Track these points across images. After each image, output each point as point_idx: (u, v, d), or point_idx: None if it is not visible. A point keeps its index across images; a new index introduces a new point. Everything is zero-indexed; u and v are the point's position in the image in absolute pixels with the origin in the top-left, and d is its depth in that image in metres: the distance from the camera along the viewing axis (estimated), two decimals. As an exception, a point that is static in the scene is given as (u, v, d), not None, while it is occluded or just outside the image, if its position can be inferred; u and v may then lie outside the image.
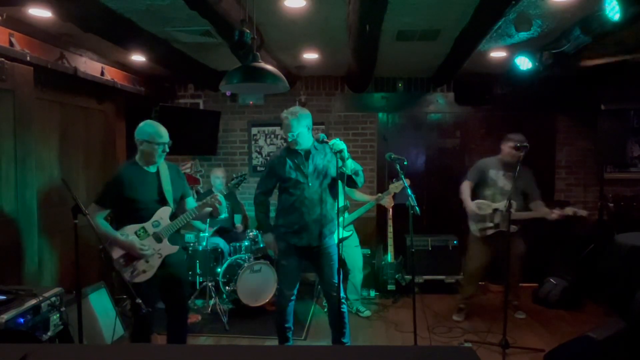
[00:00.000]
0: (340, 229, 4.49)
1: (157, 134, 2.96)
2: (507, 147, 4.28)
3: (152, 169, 3.04)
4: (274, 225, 3.51)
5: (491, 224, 4.25)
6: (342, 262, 4.70)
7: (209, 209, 3.14)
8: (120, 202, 2.93)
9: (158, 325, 3.40)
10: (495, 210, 4.24)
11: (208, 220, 4.70)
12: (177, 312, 3.25)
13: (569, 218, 4.08)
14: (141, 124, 3.02)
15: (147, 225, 2.96)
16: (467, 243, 4.55)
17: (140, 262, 2.94)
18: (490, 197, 4.31)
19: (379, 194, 4.62)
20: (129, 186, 2.91)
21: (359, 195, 4.79)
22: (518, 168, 3.84)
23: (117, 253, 2.92)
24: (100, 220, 2.92)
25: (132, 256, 2.93)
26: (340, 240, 4.52)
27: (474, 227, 4.37)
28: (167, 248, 3.02)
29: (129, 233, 2.92)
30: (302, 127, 3.28)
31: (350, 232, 4.71)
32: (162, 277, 3.07)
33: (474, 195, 4.37)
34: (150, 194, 2.98)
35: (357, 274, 4.70)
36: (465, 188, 4.39)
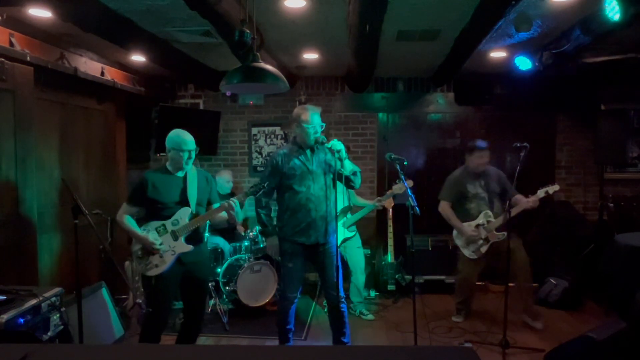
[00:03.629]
0: (344, 229, 4.54)
1: (182, 142, 3.13)
2: (475, 158, 4.26)
3: (179, 174, 3.20)
4: (278, 227, 3.48)
5: (482, 241, 4.22)
6: (344, 263, 4.72)
7: (224, 215, 3.24)
8: (146, 202, 3.14)
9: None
10: (478, 226, 4.22)
11: (207, 222, 4.70)
12: (192, 311, 3.33)
13: (545, 199, 4.09)
14: (170, 133, 3.19)
15: (168, 223, 3.12)
16: (456, 257, 4.52)
17: (155, 256, 3.08)
18: (475, 209, 4.27)
19: (379, 197, 4.61)
20: (152, 188, 3.10)
21: (359, 200, 4.79)
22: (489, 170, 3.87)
23: (136, 245, 3.12)
24: (126, 216, 3.16)
25: (148, 250, 3.08)
26: (344, 241, 4.55)
27: (467, 252, 4.31)
28: (181, 246, 3.12)
29: (150, 228, 3.11)
30: None
31: (354, 233, 4.69)
32: (181, 276, 3.17)
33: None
34: (172, 196, 3.14)
35: (360, 276, 4.69)
36: (449, 210, 4.35)
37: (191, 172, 3.23)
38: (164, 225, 3.10)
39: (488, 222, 4.19)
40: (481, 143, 4.27)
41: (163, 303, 3.12)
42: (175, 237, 3.10)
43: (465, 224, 4.26)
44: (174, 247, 3.10)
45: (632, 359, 2.48)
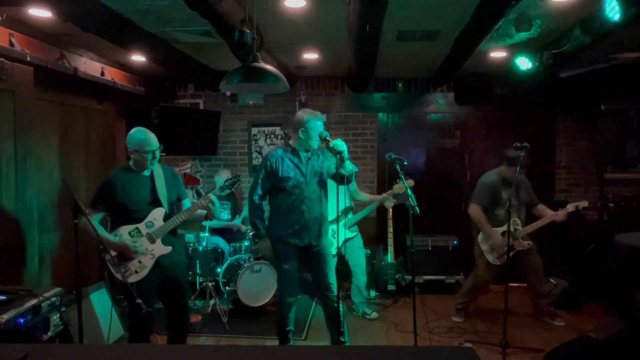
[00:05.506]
0: (345, 230, 4.53)
1: (144, 142, 2.98)
2: (513, 169, 3.99)
3: (146, 173, 3.07)
4: (270, 228, 3.46)
5: (506, 248, 4.06)
6: (344, 264, 4.71)
7: (203, 211, 3.13)
8: (113, 206, 2.97)
9: (158, 325, 3.41)
10: (504, 233, 4.12)
11: (207, 223, 4.70)
12: (177, 315, 3.24)
13: (574, 214, 4.09)
14: (131, 131, 3.04)
15: (141, 226, 2.98)
16: (475, 260, 4.43)
17: (133, 262, 2.95)
18: (504, 216, 4.14)
19: (384, 195, 4.58)
20: (120, 191, 2.95)
21: (362, 195, 4.77)
22: (521, 179, 3.84)
23: (110, 254, 2.92)
24: (94, 222, 2.92)
25: (124, 256, 2.94)
26: (345, 241, 4.54)
27: (490, 257, 4.25)
28: (160, 248, 3.02)
29: (122, 233, 2.95)
30: None
31: (355, 233, 4.66)
32: (160, 279, 3.07)
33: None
34: (143, 196, 3.01)
35: (361, 276, 4.68)
36: (481, 215, 4.23)
37: (157, 169, 3.10)
38: (137, 228, 2.96)
39: (515, 230, 4.14)
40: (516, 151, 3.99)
41: (149, 307, 3.05)
42: (152, 239, 2.99)
43: (493, 229, 4.22)
44: (152, 250, 2.98)
45: (632, 359, 2.48)
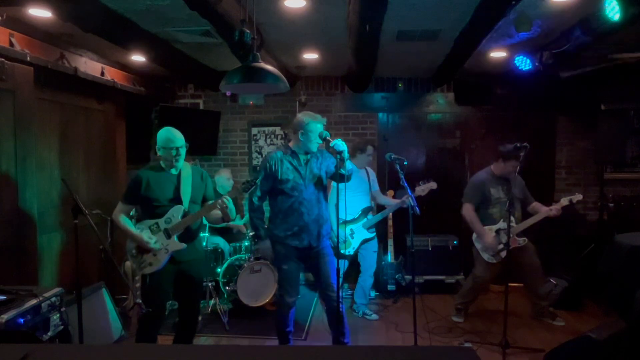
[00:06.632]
0: (365, 230, 4.53)
1: (169, 139, 3.14)
2: (509, 165, 4.11)
3: (173, 171, 3.20)
4: (270, 230, 3.48)
5: (501, 246, 4.11)
6: (356, 264, 4.71)
7: (218, 212, 3.22)
8: (140, 200, 3.17)
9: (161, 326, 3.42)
10: (499, 230, 4.16)
11: (207, 223, 4.70)
12: (187, 311, 3.33)
13: (571, 210, 4.06)
14: (159, 131, 3.20)
15: (161, 221, 3.13)
16: (474, 260, 4.43)
17: (149, 255, 3.10)
18: (497, 214, 4.21)
19: (405, 198, 4.57)
20: (146, 186, 3.12)
21: (383, 198, 4.76)
22: (515, 177, 3.85)
23: (131, 244, 3.15)
24: (122, 215, 3.18)
25: (142, 249, 3.09)
26: (364, 241, 4.55)
27: (486, 255, 4.24)
28: (174, 244, 3.13)
29: (144, 227, 3.12)
30: None
31: (373, 235, 4.64)
32: (175, 275, 3.17)
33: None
34: (166, 193, 3.15)
35: (368, 279, 4.70)
36: (472, 214, 4.25)
37: (185, 169, 3.23)
38: (157, 223, 3.12)
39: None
40: (513, 148, 4.00)
41: (157, 302, 3.10)
42: (168, 235, 3.11)
43: (487, 227, 4.22)
44: (167, 245, 3.11)
45: (632, 359, 2.48)
